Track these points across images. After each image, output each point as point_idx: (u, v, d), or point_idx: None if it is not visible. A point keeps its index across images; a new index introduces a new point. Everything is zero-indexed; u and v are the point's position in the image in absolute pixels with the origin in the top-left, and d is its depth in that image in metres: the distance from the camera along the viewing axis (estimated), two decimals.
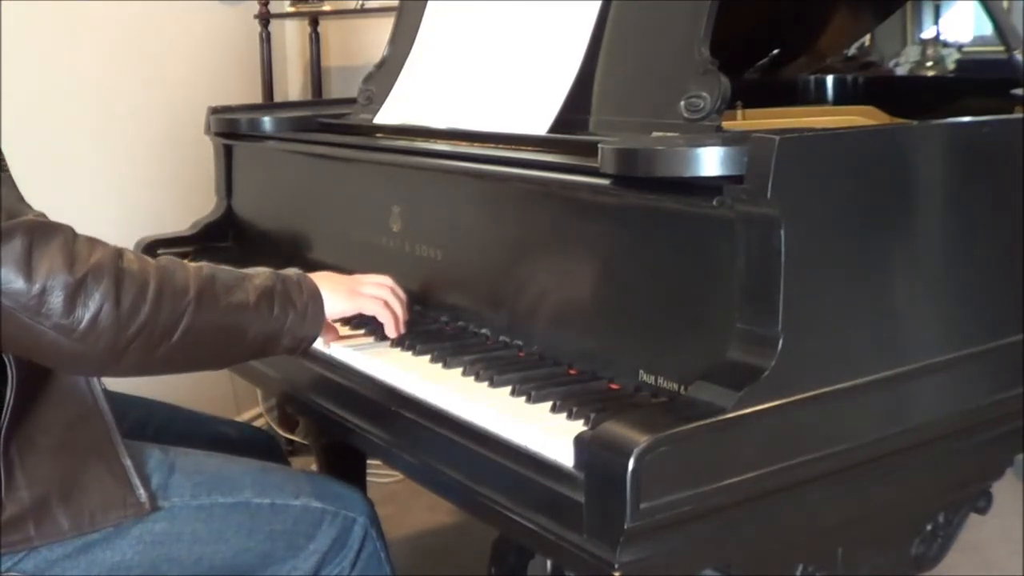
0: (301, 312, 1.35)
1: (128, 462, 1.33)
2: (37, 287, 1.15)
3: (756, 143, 1.15)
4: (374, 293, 1.48)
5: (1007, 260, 1.39)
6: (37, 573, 1.30)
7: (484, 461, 1.25)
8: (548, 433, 1.19)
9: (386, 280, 1.52)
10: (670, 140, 1.29)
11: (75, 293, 1.16)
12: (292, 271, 1.40)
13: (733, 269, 1.18)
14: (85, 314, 1.16)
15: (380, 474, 2.56)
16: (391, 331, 1.49)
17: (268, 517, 1.43)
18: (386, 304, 1.49)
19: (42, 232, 1.18)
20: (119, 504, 1.31)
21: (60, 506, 1.29)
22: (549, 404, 1.26)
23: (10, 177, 1.26)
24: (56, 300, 1.15)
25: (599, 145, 1.28)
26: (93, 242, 1.22)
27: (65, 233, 1.20)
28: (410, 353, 1.49)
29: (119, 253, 1.22)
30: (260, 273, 1.36)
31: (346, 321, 1.64)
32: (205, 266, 1.31)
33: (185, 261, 1.30)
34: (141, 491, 1.32)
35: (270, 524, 1.43)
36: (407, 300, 1.53)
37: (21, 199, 1.25)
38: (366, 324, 1.61)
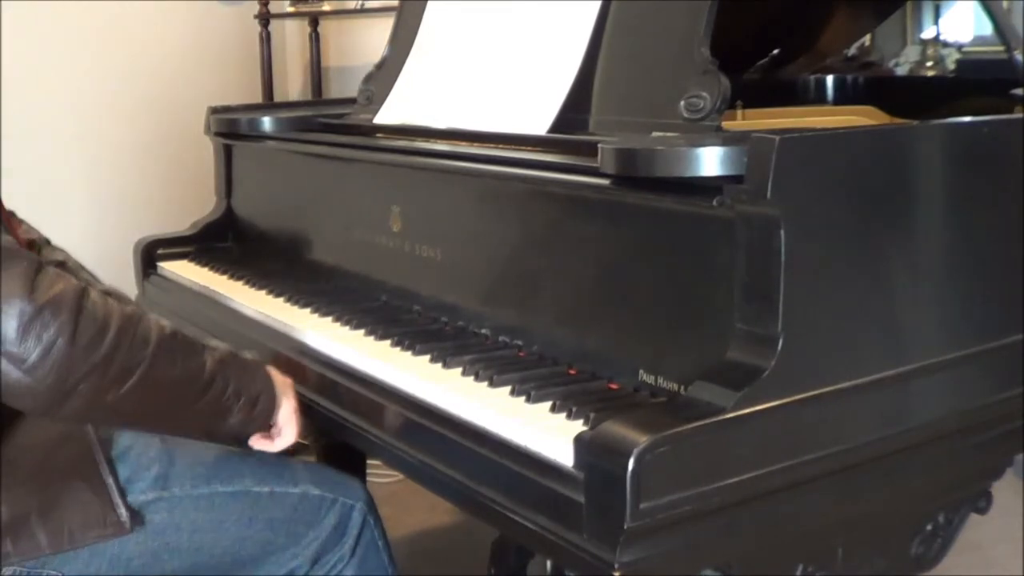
0: (252, 400, 1.34)
1: (110, 480, 1.32)
2: None
3: (756, 143, 1.15)
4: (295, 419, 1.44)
5: (1007, 260, 1.39)
6: (36, 568, 1.30)
7: (484, 461, 1.24)
8: (548, 433, 1.19)
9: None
10: (670, 140, 1.29)
11: (30, 322, 1.12)
12: (248, 353, 1.39)
13: (733, 269, 1.18)
14: (37, 346, 1.12)
15: (380, 474, 2.56)
16: (265, 444, 1.45)
17: (268, 505, 1.43)
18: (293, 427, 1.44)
19: (6, 256, 1.15)
20: (99, 523, 1.31)
21: (39, 523, 1.28)
22: (548, 404, 1.26)
23: None
24: (9, 326, 1.11)
25: (599, 145, 1.28)
26: (58, 275, 1.18)
27: (30, 261, 1.17)
28: (410, 353, 1.49)
29: (83, 291, 1.18)
30: (220, 347, 1.34)
31: (345, 321, 1.64)
32: (167, 324, 1.28)
33: (150, 314, 1.27)
34: (122, 510, 1.32)
35: (270, 512, 1.43)
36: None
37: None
38: (365, 324, 1.61)
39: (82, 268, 1.70)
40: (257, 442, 1.45)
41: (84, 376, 1.15)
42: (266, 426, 1.39)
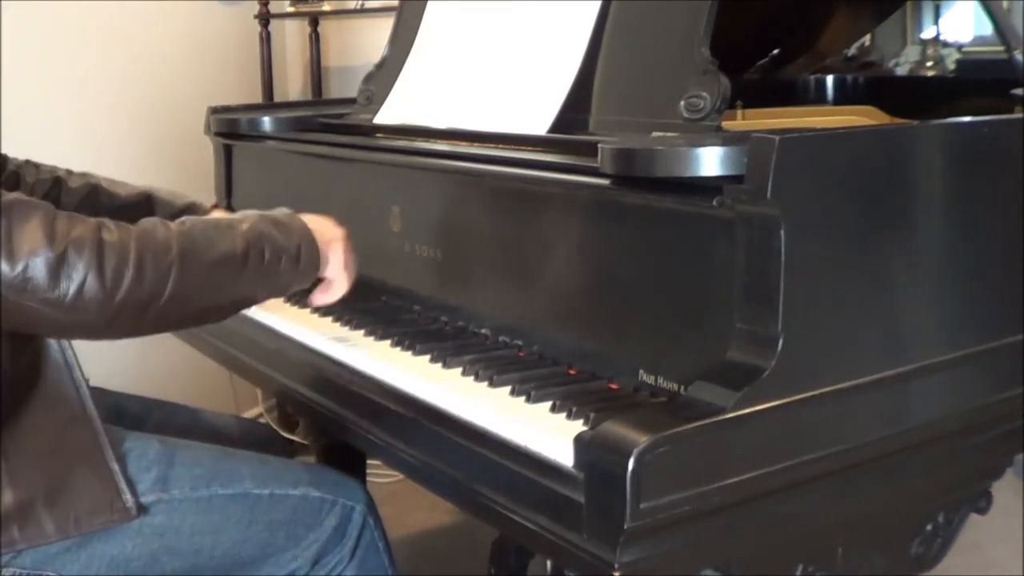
0: (294, 256, 1.33)
1: (116, 467, 1.33)
2: (20, 266, 1.15)
3: (756, 143, 1.15)
4: (347, 272, 1.43)
5: (1007, 260, 1.39)
6: (35, 569, 1.30)
7: (483, 461, 1.24)
8: (548, 433, 1.19)
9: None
10: (670, 140, 1.29)
11: (57, 267, 1.16)
12: (280, 210, 1.39)
13: (733, 269, 1.18)
14: (70, 286, 1.16)
15: (380, 474, 2.56)
16: (322, 299, 1.45)
17: (267, 507, 1.43)
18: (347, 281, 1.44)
19: (20, 210, 1.18)
20: (106, 509, 1.31)
21: (45, 510, 1.29)
22: (548, 404, 1.26)
23: None
24: (39, 275, 1.15)
25: (599, 145, 1.28)
26: (73, 218, 1.21)
27: (45, 210, 1.19)
28: (410, 353, 1.49)
29: (99, 225, 1.21)
30: (247, 217, 1.34)
31: (345, 321, 1.64)
32: (188, 220, 1.29)
33: (164, 220, 1.29)
34: (128, 496, 1.32)
35: (269, 514, 1.43)
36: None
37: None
38: (365, 324, 1.61)
39: (115, 183, 1.73)
40: (316, 297, 1.45)
41: (123, 301, 1.19)
42: (316, 273, 1.38)
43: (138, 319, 1.21)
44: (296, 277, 1.35)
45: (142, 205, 1.70)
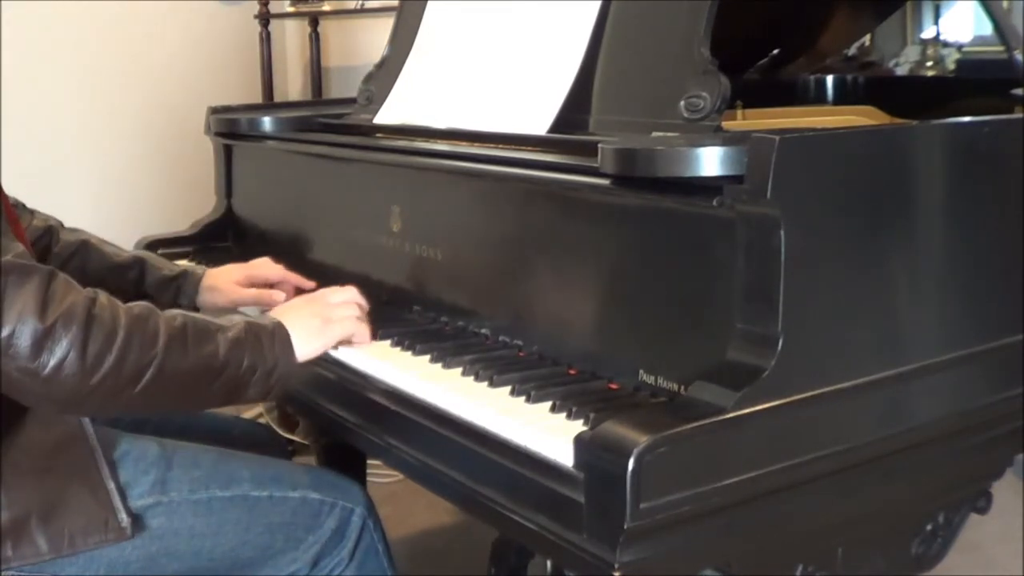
0: (270, 367, 1.34)
1: (111, 485, 1.32)
2: (6, 330, 1.15)
3: (756, 143, 1.15)
4: (345, 314, 1.47)
5: (1007, 260, 1.39)
6: (35, 571, 1.30)
7: (484, 461, 1.24)
8: (548, 433, 1.19)
9: (349, 292, 1.51)
10: (670, 140, 1.29)
11: (43, 339, 1.16)
12: (268, 319, 1.38)
13: (733, 269, 1.18)
14: (50, 360, 1.16)
15: (380, 474, 2.56)
16: (367, 342, 1.50)
17: (267, 509, 1.43)
18: (357, 319, 1.48)
19: (18, 274, 1.18)
20: (100, 528, 1.31)
21: (39, 528, 1.29)
22: (548, 404, 1.26)
23: None
24: (23, 344, 1.15)
25: (599, 145, 1.28)
26: (68, 286, 1.21)
27: (41, 276, 1.19)
28: (410, 353, 1.49)
29: (92, 299, 1.21)
30: (234, 324, 1.33)
31: None
32: (179, 315, 1.29)
33: (157, 309, 1.29)
34: (123, 515, 1.32)
35: (268, 517, 1.43)
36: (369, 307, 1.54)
37: (7, 233, 1.23)
38: None
39: (105, 243, 1.72)
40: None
41: (98, 382, 1.19)
42: (289, 380, 1.39)
43: (109, 401, 1.23)
44: (264, 391, 1.36)
45: (133, 269, 1.69)
